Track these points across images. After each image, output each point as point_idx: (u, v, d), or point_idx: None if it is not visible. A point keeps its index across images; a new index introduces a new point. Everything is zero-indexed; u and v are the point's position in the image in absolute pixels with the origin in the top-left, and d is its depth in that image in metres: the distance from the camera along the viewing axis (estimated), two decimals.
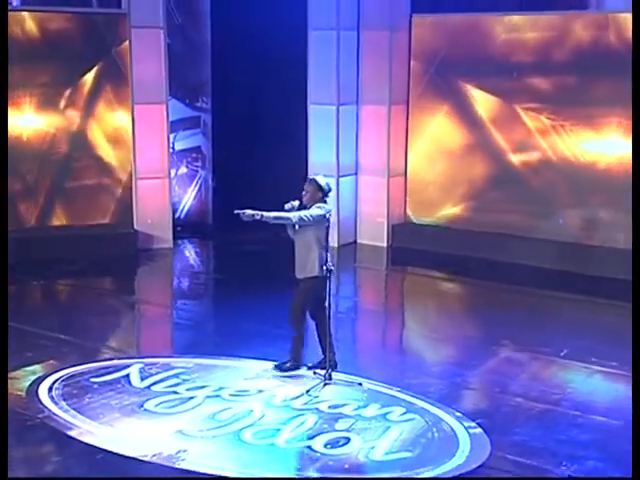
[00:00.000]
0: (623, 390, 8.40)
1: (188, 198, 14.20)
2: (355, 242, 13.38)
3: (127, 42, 12.43)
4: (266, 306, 9.85)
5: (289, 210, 8.13)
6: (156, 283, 12.43)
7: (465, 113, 12.77)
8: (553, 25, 12.15)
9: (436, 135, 13.03)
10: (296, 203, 8.13)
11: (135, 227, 12.75)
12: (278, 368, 8.45)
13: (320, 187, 8.11)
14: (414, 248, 12.84)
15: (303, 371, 8.66)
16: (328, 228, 8.20)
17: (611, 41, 11.79)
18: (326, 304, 8.44)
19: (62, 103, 12.52)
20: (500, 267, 12.09)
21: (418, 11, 12.77)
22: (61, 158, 12.64)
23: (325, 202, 8.20)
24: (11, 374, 8.56)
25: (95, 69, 12.55)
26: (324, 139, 13.06)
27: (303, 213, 8.00)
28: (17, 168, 12.41)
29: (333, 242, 13.23)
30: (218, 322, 10.39)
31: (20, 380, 8.43)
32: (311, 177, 8.36)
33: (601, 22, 11.92)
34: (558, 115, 12.17)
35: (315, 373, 8.44)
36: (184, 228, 13.64)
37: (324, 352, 8.37)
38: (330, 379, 8.28)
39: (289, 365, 8.48)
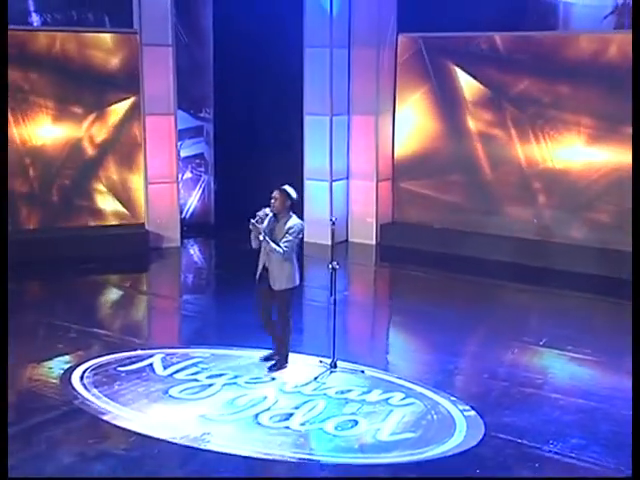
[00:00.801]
0: (598, 375, 8.61)
1: (192, 200, 14.19)
2: (347, 240, 13.40)
3: (139, 59, 12.37)
4: None
5: (262, 217, 7.99)
6: (167, 279, 12.45)
7: (446, 122, 12.78)
8: (529, 43, 12.18)
9: (420, 143, 13.04)
10: (268, 210, 8.04)
11: (146, 227, 12.75)
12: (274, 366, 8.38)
13: (289, 196, 8.05)
14: (400, 246, 12.90)
15: (309, 360, 8.59)
16: (302, 241, 8.34)
17: (576, 56, 11.83)
18: (332, 299, 8.55)
19: (81, 114, 12.47)
20: (480, 263, 12.07)
21: (403, 30, 12.79)
22: (80, 164, 12.61)
23: (294, 211, 8.14)
24: (45, 364, 8.68)
25: (111, 83, 12.51)
26: (318, 146, 13.12)
27: (289, 243, 7.96)
28: (43, 172, 12.45)
29: (327, 240, 13.40)
30: (225, 315, 10.39)
31: (53, 369, 8.48)
32: (282, 187, 8.14)
33: (569, 40, 12.01)
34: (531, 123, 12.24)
35: (321, 362, 8.41)
36: (189, 228, 13.63)
37: (278, 349, 8.41)
38: (335, 367, 8.29)
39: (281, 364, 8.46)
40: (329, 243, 12.87)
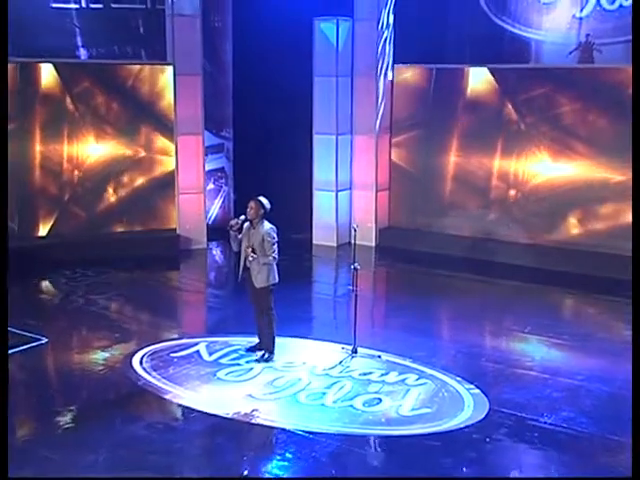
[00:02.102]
0: (576, 357, 8.76)
1: (214, 208, 14.12)
2: (349, 243, 13.15)
3: (173, 86, 12.39)
4: (283, 293, 9.56)
5: (241, 224, 7.93)
6: (196, 275, 12.34)
7: (435, 141, 12.81)
8: (505, 74, 12.22)
9: (412, 158, 13.09)
10: (242, 217, 7.98)
11: (177, 232, 12.76)
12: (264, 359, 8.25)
13: (263, 206, 7.94)
14: (396, 247, 12.89)
15: (331, 346, 8.64)
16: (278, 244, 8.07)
17: (543, 85, 11.95)
18: (352, 290, 8.61)
19: (122, 134, 12.49)
20: (467, 262, 12.03)
21: (398, 62, 12.84)
22: (122, 178, 12.61)
23: (266, 218, 8.00)
24: (107, 350, 8.71)
25: (149, 106, 12.57)
26: (325, 161, 13.11)
27: (274, 248, 7.88)
28: (91, 184, 12.46)
29: (332, 242, 13.34)
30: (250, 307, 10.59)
31: (115, 355, 8.56)
32: (257, 198, 7.99)
33: (539, 73, 12.18)
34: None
35: (343, 348, 8.46)
36: (212, 232, 13.34)
37: (262, 338, 8.33)
38: (356, 352, 8.38)
39: (269, 354, 8.32)
40: (334, 245, 13.47)
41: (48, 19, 12.37)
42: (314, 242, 13.20)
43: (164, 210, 12.89)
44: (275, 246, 7.95)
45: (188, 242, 12.84)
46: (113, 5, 12.87)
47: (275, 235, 7.98)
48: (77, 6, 12.69)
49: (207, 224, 13.35)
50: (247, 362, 8.22)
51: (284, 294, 8.56)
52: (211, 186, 13.86)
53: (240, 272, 8.14)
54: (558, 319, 9.82)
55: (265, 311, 8.26)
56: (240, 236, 8.01)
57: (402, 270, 12.30)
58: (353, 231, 8.97)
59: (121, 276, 11.58)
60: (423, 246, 12.69)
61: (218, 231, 13.67)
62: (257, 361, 8.19)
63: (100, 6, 12.83)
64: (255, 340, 8.47)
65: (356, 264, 8.56)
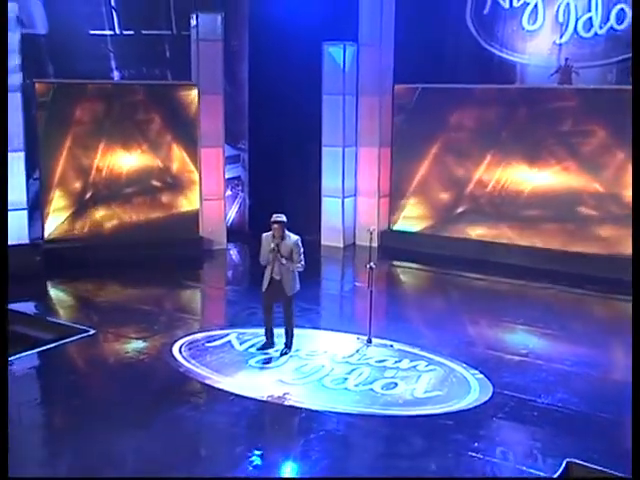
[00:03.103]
0: (564, 346, 8.81)
1: (232, 213, 14.20)
2: (354, 244, 13.42)
3: (197, 104, 12.44)
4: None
5: (274, 247, 7.87)
6: (219, 273, 12.48)
7: (431, 153, 12.80)
8: (491, 93, 12.28)
9: (410, 169, 13.07)
10: (267, 234, 7.96)
11: (200, 234, 12.79)
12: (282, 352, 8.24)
13: (284, 223, 7.94)
14: (396, 247, 12.92)
15: (346, 337, 8.68)
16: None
17: (528, 103, 12.00)
18: (369, 290, 8.61)
19: (151, 147, 12.45)
20: (458, 260, 12.07)
21: (399, 82, 12.87)
22: (152, 186, 12.59)
23: (288, 229, 7.99)
24: (148, 341, 8.78)
25: (176, 122, 12.54)
26: (333, 171, 13.14)
27: (302, 257, 7.97)
28: (125, 192, 12.41)
29: (339, 243, 13.38)
30: None
31: (157, 346, 8.60)
32: (278, 219, 7.92)
33: (519, 92, 12.23)
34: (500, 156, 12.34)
35: (358, 338, 8.54)
36: (229, 234, 13.33)
37: (289, 338, 8.32)
38: (370, 342, 8.47)
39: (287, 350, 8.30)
40: (341, 245, 13.52)
41: (86, 45, 12.49)
42: (322, 243, 13.25)
43: (189, 214, 12.81)
44: (302, 255, 8.04)
45: (210, 243, 12.86)
46: (143, 32, 12.99)
47: (301, 245, 8.05)
48: (111, 33, 12.83)
49: (227, 227, 13.39)
50: (275, 351, 8.27)
51: (298, 291, 8.37)
52: (229, 193, 13.87)
53: (267, 281, 8.07)
54: (546, 312, 9.86)
55: (291, 315, 8.31)
56: (277, 254, 7.96)
57: (402, 268, 12.34)
58: (369, 234, 9.04)
59: (152, 274, 11.55)
60: (421, 247, 12.67)
61: (235, 233, 13.86)
62: (280, 354, 8.21)
63: (132, 32, 12.95)
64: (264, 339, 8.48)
65: (372, 263, 8.66)
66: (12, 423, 6.74)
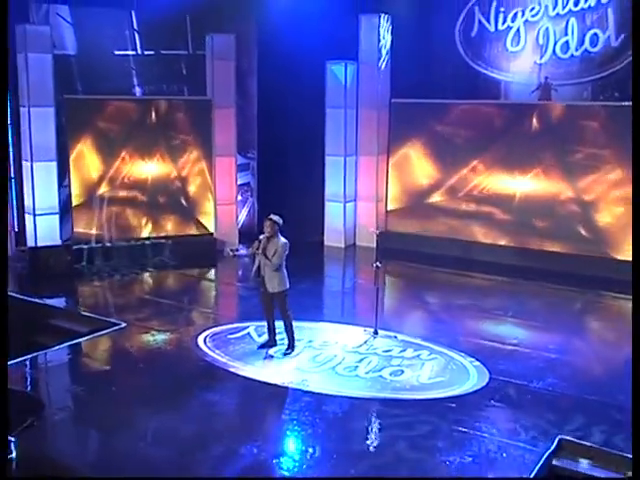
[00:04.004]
0: (549, 336, 8.84)
1: (242, 216, 14.14)
2: (354, 244, 13.37)
3: (212, 117, 12.50)
4: (304, 286, 9.54)
5: (257, 245, 7.76)
6: (231, 271, 12.37)
7: (424, 162, 12.82)
8: (478, 109, 12.29)
9: (405, 176, 13.08)
10: (262, 236, 7.80)
11: (214, 236, 12.80)
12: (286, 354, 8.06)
13: (277, 223, 7.76)
14: (392, 247, 12.25)
15: (353, 329, 8.72)
16: (287, 255, 7.84)
17: (510, 117, 12.04)
18: (375, 287, 8.64)
19: (170, 156, 12.46)
20: (448, 259, 12.01)
21: (395, 97, 12.86)
22: (172, 192, 12.60)
23: (281, 232, 7.81)
24: (174, 333, 8.85)
25: (193, 133, 12.54)
26: (335, 178, 13.13)
27: (277, 258, 7.68)
28: (146, 197, 12.36)
29: (340, 244, 13.31)
30: None
31: (182, 337, 8.69)
32: (270, 217, 7.78)
33: (504, 107, 12.30)
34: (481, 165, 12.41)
35: (365, 330, 8.60)
36: (240, 236, 13.15)
37: (289, 337, 8.14)
38: (376, 334, 8.54)
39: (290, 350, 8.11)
40: (342, 246, 13.51)
41: (111, 64, 12.60)
42: (325, 244, 13.29)
43: (205, 218, 12.86)
44: (282, 258, 7.74)
45: (222, 244, 12.73)
46: (163, 51, 13.08)
47: (287, 249, 7.76)
48: (134, 53, 12.95)
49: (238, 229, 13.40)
50: (275, 352, 8.12)
51: (305, 287, 8.56)
52: (239, 198, 13.83)
53: (253, 271, 7.98)
54: (532, 306, 9.96)
55: (283, 314, 8.06)
56: (258, 251, 7.82)
57: (399, 266, 12.31)
58: (375, 236, 9.17)
59: (172, 273, 11.67)
60: (414, 247, 12.62)
61: (246, 235, 13.54)
62: (283, 354, 8.03)
63: (152, 52, 13.05)
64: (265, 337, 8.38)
65: (378, 262, 8.74)
66: (58, 408, 6.98)
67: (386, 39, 12.83)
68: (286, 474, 5.74)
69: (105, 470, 5.82)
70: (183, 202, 12.79)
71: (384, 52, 12.84)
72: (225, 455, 6.06)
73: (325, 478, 5.74)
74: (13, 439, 6.09)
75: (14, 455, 6.03)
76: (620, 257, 11.09)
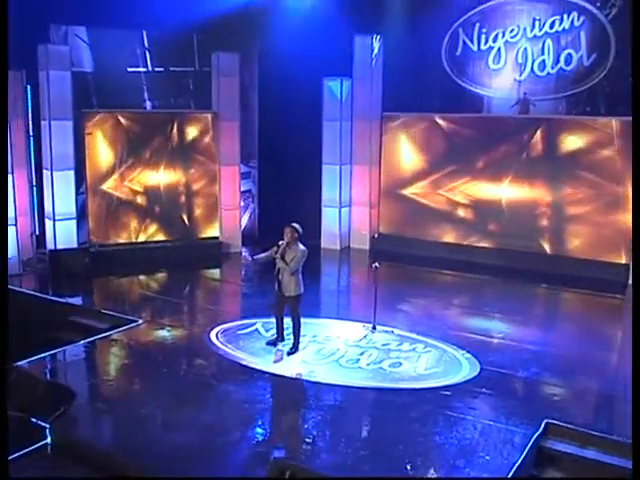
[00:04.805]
0: (531, 330, 8.95)
1: (244, 221, 14.10)
2: (349, 247, 13.44)
3: (217, 129, 12.55)
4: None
5: (279, 246, 7.74)
6: (235, 271, 12.51)
7: (412, 171, 12.95)
8: (463, 120, 12.48)
9: (396, 184, 13.17)
10: (281, 242, 7.77)
11: (220, 239, 12.91)
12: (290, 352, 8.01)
13: (297, 230, 7.76)
14: (384, 249, 12.92)
15: (352, 324, 8.80)
16: (305, 261, 7.84)
17: (492, 129, 12.23)
18: (373, 287, 8.60)
19: (180, 166, 12.46)
20: (437, 260, 12.18)
21: (386, 110, 13.00)
22: (181, 199, 12.65)
23: (300, 240, 7.80)
24: (188, 329, 8.97)
25: (200, 144, 12.62)
26: (331, 185, 13.17)
27: (294, 263, 7.67)
28: (159, 205, 12.43)
29: (336, 246, 13.35)
30: None
31: (196, 333, 8.78)
32: (292, 225, 7.77)
33: (486, 120, 12.48)
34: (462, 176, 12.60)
35: (364, 326, 8.66)
36: (242, 239, 13.27)
37: (295, 338, 8.10)
38: (375, 329, 8.62)
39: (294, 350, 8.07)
40: (338, 248, 13.49)
41: (124, 80, 12.66)
42: (322, 246, 13.31)
43: (211, 222, 12.94)
44: (297, 263, 7.71)
45: (227, 247, 12.94)
46: (171, 68, 13.15)
47: (305, 256, 7.76)
48: (145, 69, 13.01)
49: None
50: (283, 345, 8.14)
51: (305, 287, 8.25)
52: (241, 203, 13.79)
53: (277, 285, 7.92)
54: (516, 303, 10.09)
55: (293, 316, 8.05)
56: (277, 255, 7.80)
57: (391, 267, 12.21)
58: (372, 238, 9.27)
59: (182, 273, 11.68)
60: (406, 249, 12.73)
61: (247, 238, 13.74)
62: (288, 353, 7.98)
63: (162, 69, 13.11)
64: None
65: (376, 263, 8.84)
66: (86, 397, 7.11)
67: (378, 57, 12.96)
68: (302, 457, 5.89)
69: (134, 454, 5.94)
70: (192, 207, 12.79)
71: (376, 69, 12.96)
72: (243, 440, 6.21)
73: (339, 478, 5.66)
74: (48, 426, 6.26)
75: (49, 440, 6.20)
76: (589, 258, 11.45)
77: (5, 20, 7.03)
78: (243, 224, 14.17)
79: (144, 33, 13.03)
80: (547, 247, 12.01)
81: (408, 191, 13.19)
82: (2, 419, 5.18)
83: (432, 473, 5.69)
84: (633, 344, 5.60)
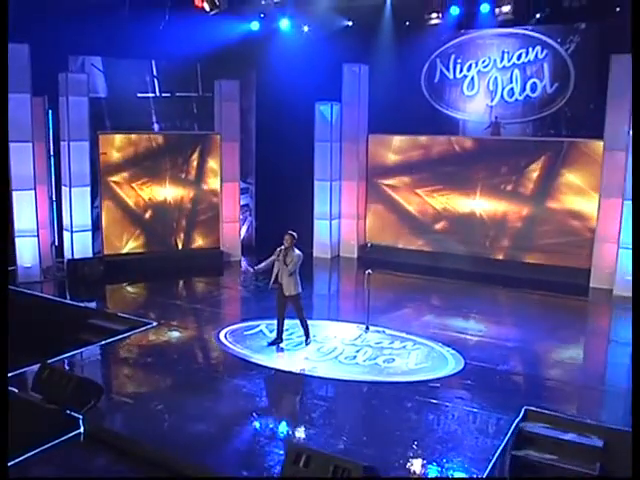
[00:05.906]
0: (507, 329, 9.11)
1: (242, 232, 14.04)
2: (338, 255, 13.47)
3: (219, 149, 12.64)
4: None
5: (278, 253, 8.05)
6: (235, 279, 12.47)
7: (396, 186, 13.10)
8: (440, 142, 12.62)
9: (380, 199, 13.30)
10: (279, 248, 8.07)
11: (221, 249, 12.94)
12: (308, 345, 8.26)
13: (294, 237, 8.11)
14: (371, 257, 12.74)
15: (346, 325, 8.91)
16: (304, 260, 8.25)
17: (467, 149, 12.45)
18: (366, 291, 8.71)
19: (183, 182, 12.53)
20: (418, 267, 12.24)
21: (372, 132, 13.20)
22: (185, 212, 12.64)
23: (296, 245, 8.14)
24: (197, 330, 9.06)
25: (203, 163, 12.68)
26: (322, 199, 13.14)
27: (292, 265, 8.01)
28: (161, 218, 12.26)
29: (327, 255, 13.33)
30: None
31: (205, 334, 8.92)
32: (290, 232, 8.13)
33: (464, 141, 12.58)
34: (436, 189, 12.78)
35: (358, 326, 8.80)
36: (240, 249, 13.33)
37: (305, 331, 8.40)
38: (368, 329, 8.77)
39: (308, 338, 8.35)
40: (329, 257, 13.53)
41: (135, 104, 12.84)
42: (314, 255, 13.34)
43: (213, 233, 12.96)
44: (295, 264, 8.07)
45: (228, 256, 13.00)
46: (177, 94, 13.30)
47: (301, 259, 8.15)
48: (153, 95, 13.16)
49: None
50: (298, 337, 8.47)
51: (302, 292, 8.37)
52: (240, 216, 13.79)
53: (271, 282, 8.19)
54: (492, 305, 10.32)
55: (298, 313, 8.30)
56: (280, 258, 8.08)
57: (375, 274, 12.37)
58: (368, 247, 9.40)
59: (189, 280, 11.80)
60: (390, 257, 12.82)
61: (245, 248, 13.74)
62: (306, 344, 8.31)
63: (168, 94, 13.27)
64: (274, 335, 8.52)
65: (369, 270, 8.97)
66: (113, 392, 7.21)
67: (364, 84, 13.15)
68: (312, 445, 5.96)
69: (155, 441, 6.08)
70: (194, 219, 12.83)
71: (363, 95, 13.16)
72: (258, 428, 6.39)
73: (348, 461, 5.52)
74: (81, 417, 6.39)
75: (82, 430, 6.33)
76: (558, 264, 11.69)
77: (5, 20, 6.87)
78: (241, 235, 14.13)
79: (153, 62, 13.22)
80: (514, 254, 12.19)
81: (391, 205, 13.32)
82: (2, 415, 5.08)
83: (427, 455, 5.90)
84: (633, 344, 5.62)
